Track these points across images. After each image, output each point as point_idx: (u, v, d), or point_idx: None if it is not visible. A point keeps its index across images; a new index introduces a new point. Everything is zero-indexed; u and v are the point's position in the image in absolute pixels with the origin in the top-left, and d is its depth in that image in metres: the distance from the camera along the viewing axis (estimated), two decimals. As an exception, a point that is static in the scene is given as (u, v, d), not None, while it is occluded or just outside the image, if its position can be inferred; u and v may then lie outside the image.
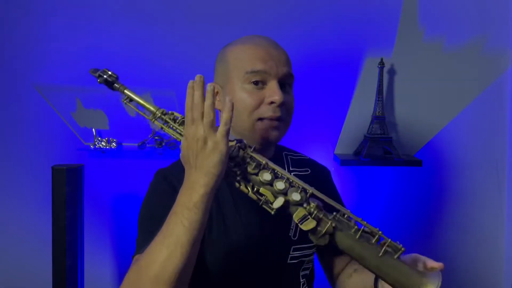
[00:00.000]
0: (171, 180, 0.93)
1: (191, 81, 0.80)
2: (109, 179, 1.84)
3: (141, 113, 0.88)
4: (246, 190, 0.79)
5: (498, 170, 1.86)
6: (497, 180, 1.87)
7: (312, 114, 1.81)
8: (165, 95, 1.78)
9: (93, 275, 1.81)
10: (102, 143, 1.79)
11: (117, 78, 0.88)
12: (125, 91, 0.88)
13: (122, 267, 1.87)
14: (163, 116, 0.86)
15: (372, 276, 0.89)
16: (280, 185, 0.78)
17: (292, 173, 1.02)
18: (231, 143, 0.80)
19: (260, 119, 0.91)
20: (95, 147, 1.78)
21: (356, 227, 0.77)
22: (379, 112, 1.76)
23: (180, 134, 0.84)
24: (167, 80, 1.78)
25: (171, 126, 0.85)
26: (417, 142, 1.85)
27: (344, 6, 1.78)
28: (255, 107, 0.90)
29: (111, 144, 1.79)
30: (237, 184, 0.80)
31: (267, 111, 0.90)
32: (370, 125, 1.79)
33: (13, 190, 1.84)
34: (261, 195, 0.79)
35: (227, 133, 0.75)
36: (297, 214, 0.76)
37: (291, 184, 0.79)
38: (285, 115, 0.93)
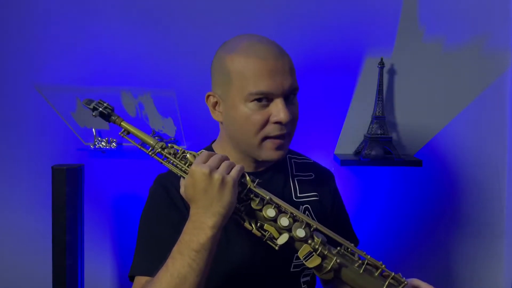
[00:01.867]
0: (170, 190, 0.91)
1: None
2: (109, 179, 1.84)
3: (140, 147, 0.85)
4: (250, 227, 0.79)
5: (498, 170, 1.86)
6: (497, 180, 1.86)
7: (312, 114, 1.81)
8: (165, 95, 1.78)
9: (93, 275, 1.81)
10: (102, 143, 1.79)
11: (112, 110, 0.84)
12: (122, 123, 0.84)
13: (122, 267, 1.87)
14: (162, 151, 0.82)
15: None
16: (284, 221, 0.78)
17: (296, 178, 1.01)
18: None
19: (267, 137, 0.88)
20: (95, 147, 1.78)
21: (359, 260, 0.79)
22: (379, 112, 1.76)
23: (181, 170, 0.81)
24: (167, 80, 1.78)
25: (171, 161, 0.82)
26: (417, 142, 1.85)
27: (344, 6, 1.78)
28: (261, 126, 0.86)
29: (111, 144, 1.79)
30: (241, 221, 0.80)
31: (274, 130, 0.87)
32: (370, 125, 1.79)
33: (13, 190, 1.84)
34: (265, 230, 0.79)
35: (239, 173, 0.77)
36: (302, 251, 0.77)
37: (295, 219, 0.79)
38: (290, 129, 0.90)
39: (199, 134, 1.81)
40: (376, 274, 0.78)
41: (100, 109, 0.83)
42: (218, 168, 0.75)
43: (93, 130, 1.80)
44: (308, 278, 1.00)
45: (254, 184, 0.80)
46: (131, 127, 0.84)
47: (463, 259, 1.89)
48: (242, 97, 0.86)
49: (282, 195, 0.97)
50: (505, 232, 1.87)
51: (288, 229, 0.78)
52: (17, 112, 1.81)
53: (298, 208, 0.97)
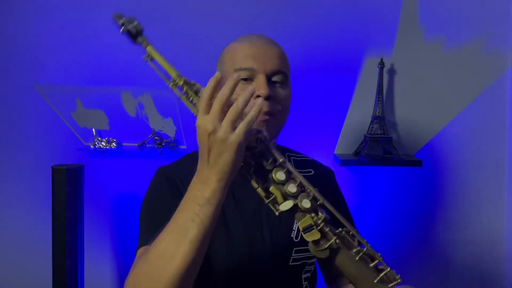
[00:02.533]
0: (173, 179, 0.93)
1: (218, 74, 0.72)
2: (109, 179, 1.84)
3: (161, 76, 0.79)
4: (255, 185, 0.76)
5: (498, 170, 1.86)
6: (497, 180, 1.86)
7: (312, 114, 1.81)
8: (165, 95, 1.78)
9: (93, 275, 1.81)
10: (102, 143, 1.79)
11: (142, 30, 0.78)
12: (148, 47, 0.78)
13: (122, 267, 1.87)
14: (184, 86, 0.77)
15: None
16: (292, 188, 0.74)
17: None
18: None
19: None
20: (95, 147, 1.78)
21: (358, 247, 0.76)
22: (379, 112, 1.76)
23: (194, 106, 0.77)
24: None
25: (191, 99, 0.76)
26: (417, 142, 1.85)
27: (344, 6, 1.78)
28: None
29: (111, 144, 1.79)
30: (248, 177, 0.75)
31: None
32: (370, 125, 1.79)
33: (13, 190, 1.84)
34: (270, 193, 0.75)
35: (247, 131, 0.69)
36: (304, 221, 0.73)
37: (302, 189, 0.75)
38: (275, 110, 0.92)
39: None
40: (371, 265, 0.75)
41: (129, 26, 0.79)
42: (222, 121, 0.69)
43: (93, 130, 1.80)
44: (309, 274, 1.00)
45: (272, 143, 0.76)
46: (157, 54, 0.78)
47: (462, 259, 1.89)
48: (230, 75, 0.88)
49: None
50: (505, 232, 1.87)
51: (294, 197, 0.74)
52: (17, 112, 1.81)
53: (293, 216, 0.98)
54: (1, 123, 1.82)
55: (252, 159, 0.75)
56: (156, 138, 1.80)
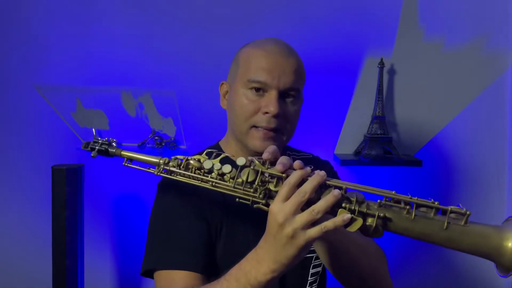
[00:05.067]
0: (175, 190, 0.93)
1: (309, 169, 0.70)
2: (109, 179, 1.84)
3: (147, 170, 0.84)
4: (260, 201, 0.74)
5: (498, 170, 1.86)
6: (497, 180, 1.86)
7: (312, 114, 1.81)
8: (165, 95, 1.78)
9: (93, 275, 1.81)
10: (102, 143, 1.79)
11: (110, 144, 0.85)
12: (123, 153, 0.85)
13: (122, 267, 1.87)
14: (166, 166, 0.82)
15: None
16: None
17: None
18: (242, 167, 0.74)
19: (255, 127, 0.91)
20: (95, 147, 1.78)
21: (408, 206, 0.70)
22: (379, 112, 1.76)
23: (190, 178, 0.79)
24: (167, 80, 1.78)
25: (178, 173, 0.81)
26: (417, 142, 1.85)
27: (344, 6, 1.78)
28: (252, 114, 0.91)
29: (111, 144, 1.79)
30: (265, 208, 0.72)
31: (261, 120, 0.91)
32: (370, 125, 1.78)
33: (13, 190, 1.84)
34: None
35: (319, 237, 0.66)
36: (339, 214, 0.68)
37: (322, 189, 0.71)
38: (282, 126, 0.93)
39: (199, 134, 1.81)
40: (432, 215, 0.69)
41: (97, 147, 0.85)
42: (295, 215, 0.66)
43: (93, 130, 1.80)
44: (319, 269, 1.00)
45: (266, 166, 0.74)
46: (132, 154, 0.84)
47: (462, 259, 1.89)
48: (243, 83, 0.92)
49: None
50: (505, 232, 1.87)
51: (318, 199, 0.69)
52: (17, 112, 1.81)
53: None
54: (1, 123, 1.82)
55: (257, 191, 0.74)
56: (156, 138, 1.80)
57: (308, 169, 0.71)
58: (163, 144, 1.79)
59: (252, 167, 0.74)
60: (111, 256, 1.87)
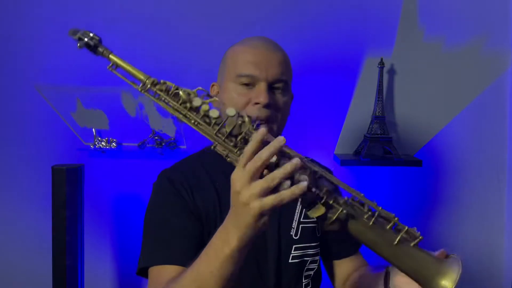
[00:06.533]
0: (175, 183, 0.94)
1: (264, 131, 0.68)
2: (109, 179, 1.84)
3: (130, 82, 0.77)
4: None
5: (498, 170, 1.86)
6: (497, 180, 1.86)
7: (312, 114, 1.81)
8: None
9: (93, 275, 1.81)
10: (102, 143, 1.79)
11: (99, 40, 0.75)
12: (111, 56, 0.76)
13: (122, 267, 1.87)
14: (153, 87, 0.76)
15: (378, 281, 0.87)
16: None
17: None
18: (230, 118, 0.71)
19: None
20: (95, 147, 1.78)
21: (369, 212, 0.71)
22: (379, 112, 1.76)
23: (173, 108, 0.75)
24: (167, 80, 1.78)
25: (163, 98, 0.75)
26: (417, 142, 1.85)
27: (344, 6, 1.78)
28: (243, 107, 0.93)
29: (111, 144, 1.79)
30: (234, 164, 0.71)
31: (252, 111, 0.92)
32: (370, 125, 1.78)
33: (13, 190, 1.84)
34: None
35: (274, 206, 0.65)
36: (305, 199, 0.68)
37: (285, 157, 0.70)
38: (273, 116, 0.94)
39: (199, 134, 1.80)
40: (388, 227, 0.70)
41: (86, 39, 0.73)
42: (252, 182, 0.65)
43: (93, 130, 1.80)
44: (310, 272, 1.00)
45: (254, 127, 0.71)
46: (121, 60, 0.77)
47: (463, 259, 1.88)
48: (232, 79, 0.95)
49: None
50: (505, 232, 1.87)
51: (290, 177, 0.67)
52: (17, 112, 1.81)
53: (296, 202, 0.98)
54: (1, 123, 1.82)
55: (237, 147, 0.71)
56: (156, 138, 1.80)
57: (272, 137, 0.69)
58: (163, 144, 1.79)
59: (239, 122, 0.71)
60: (111, 256, 1.87)
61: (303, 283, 0.98)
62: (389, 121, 1.81)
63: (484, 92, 1.83)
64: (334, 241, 1.06)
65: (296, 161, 0.66)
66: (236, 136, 0.71)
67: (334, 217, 0.69)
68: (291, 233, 0.97)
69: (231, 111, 0.71)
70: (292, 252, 0.96)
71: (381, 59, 1.75)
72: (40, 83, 1.78)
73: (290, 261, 0.96)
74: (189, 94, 0.75)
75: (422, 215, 1.87)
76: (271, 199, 0.64)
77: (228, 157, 0.72)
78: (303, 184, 0.65)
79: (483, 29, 1.79)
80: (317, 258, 1.01)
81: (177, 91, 0.76)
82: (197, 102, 0.74)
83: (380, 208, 0.72)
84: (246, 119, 0.71)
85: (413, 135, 1.84)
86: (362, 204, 0.72)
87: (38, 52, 1.77)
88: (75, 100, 1.79)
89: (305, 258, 0.98)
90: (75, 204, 1.56)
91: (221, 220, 0.92)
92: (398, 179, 1.86)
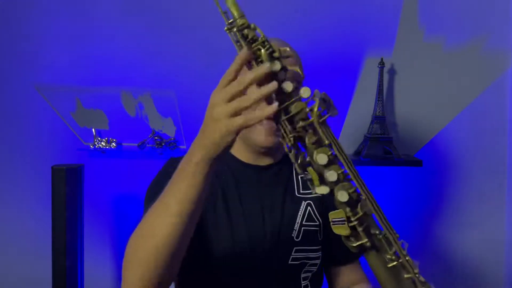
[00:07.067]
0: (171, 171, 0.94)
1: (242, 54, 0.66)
2: (109, 179, 1.84)
3: (221, 14, 0.73)
4: (293, 160, 0.68)
5: (498, 170, 1.86)
6: (497, 180, 1.86)
7: (312, 114, 1.81)
8: (165, 95, 1.78)
9: (93, 275, 1.81)
10: (102, 143, 1.79)
11: None
12: None
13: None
14: (240, 31, 0.70)
15: None
16: (332, 175, 0.66)
17: (298, 176, 1.01)
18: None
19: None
20: (95, 147, 1.78)
21: (393, 256, 0.69)
22: (379, 112, 1.76)
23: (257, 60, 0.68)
24: (167, 80, 1.78)
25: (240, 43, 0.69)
26: (417, 142, 1.85)
27: (344, 6, 1.78)
28: None
29: (111, 144, 1.79)
30: (286, 148, 0.68)
31: None
32: (370, 125, 1.78)
33: (13, 190, 1.84)
34: (307, 170, 0.68)
35: (243, 126, 0.63)
36: (336, 213, 0.67)
37: (345, 177, 0.67)
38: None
39: (199, 134, 1.81)
40: (405, 276, 0.69)
41: None
42: (231, 100, 0.64)
43: (93, 130, 1.80)
44: (309, 274, 1.00)
45: (320, 120, 0.66)
46: None
47: (463, 259, 1.89)
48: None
49: (285, 190, 0.99)
50: (505, 232, 1.87)
51: (334, 183, 0.66)
52: (17, 112, 1.81)
53: (300, 204, 0.99)
54: (1, 123, 1.82)
55: (295, 132, 0.67)
56: (156, 138, 1.80)
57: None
58: (163, 144, 1.79)
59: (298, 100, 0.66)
60: (111, 256, 1.87)
61: (302, 285, 0.98)
62: (389, 121, 1.81)
63: (484, 92, 1.82)
64: (334, 246, 1.06)
65: (272, 84, 0.62)
66: (297, 122, 0.67)
67: (355, 245, 0.68)
68: (293, 235, 0.96)
69: (304, 90, 0.66)
70: (293, 254, 0.95)
71: (381, 59, 1.75)
72: (40, 83, 1.78)
73: (289, 262, 0.95)
74: (271, 54, 0.67)
75: (422, 215, 1.87)
76: (240, 119, 0.63)
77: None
78: (274, 104, 0.63)
79: (483, 29, 1.79)
80: (317, 261, 1.01)
81: (262, 44, 0.68)
82: (277, 66, 0.66)
83: (407, 258, 0.69)
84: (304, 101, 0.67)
85: (413, 135, 1.84)
86: (390, 246, 0.69)
87: (38, 52, 1.77)
88: (75, 100, 1.79)
89: (305, 261, 0.98)
90: (74, 204, 1.56)
91: (227, 211, 0.93)
92: (398, 179, 1.86)
